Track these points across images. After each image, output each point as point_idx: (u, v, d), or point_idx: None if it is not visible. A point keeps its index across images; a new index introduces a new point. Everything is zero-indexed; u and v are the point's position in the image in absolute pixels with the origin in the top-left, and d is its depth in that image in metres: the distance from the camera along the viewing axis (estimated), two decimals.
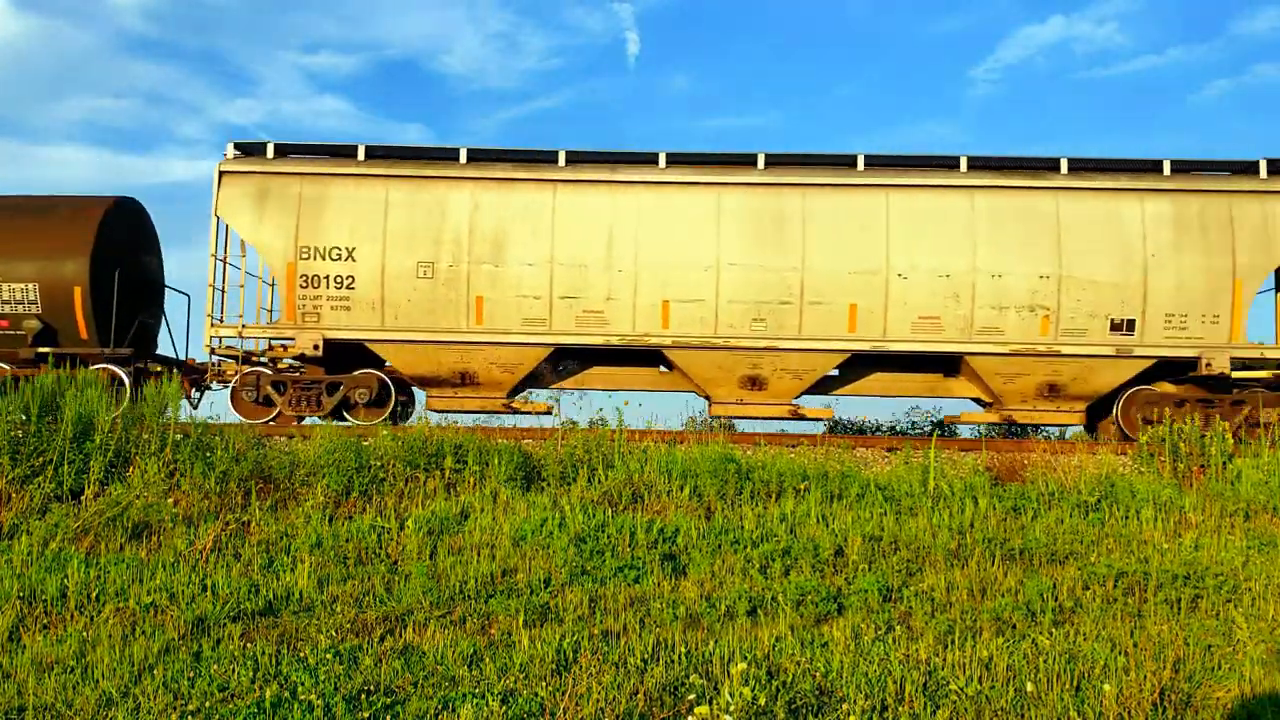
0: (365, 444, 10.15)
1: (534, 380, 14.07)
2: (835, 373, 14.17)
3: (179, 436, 9.84)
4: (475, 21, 54.76)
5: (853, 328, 13.34)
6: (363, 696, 5.21)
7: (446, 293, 13.32)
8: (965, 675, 5.54)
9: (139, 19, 51.21)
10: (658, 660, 5.77)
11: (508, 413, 13.84)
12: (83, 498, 9.06)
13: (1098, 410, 14.25)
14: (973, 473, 10.55)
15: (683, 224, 13.43)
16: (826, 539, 8.39)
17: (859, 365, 14.13)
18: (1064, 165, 13.60)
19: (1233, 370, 13.48)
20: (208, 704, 5.15)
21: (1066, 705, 5.18)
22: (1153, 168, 13.65)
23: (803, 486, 9.72)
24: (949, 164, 13.73)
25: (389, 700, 5.16)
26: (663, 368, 14.16)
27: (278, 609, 6.88)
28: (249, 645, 6.03)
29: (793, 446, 11.82)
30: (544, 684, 5.38)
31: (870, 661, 5.76)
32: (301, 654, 5.87)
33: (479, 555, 8.05)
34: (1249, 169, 13.74)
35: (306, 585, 7.27)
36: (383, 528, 8.60)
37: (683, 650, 5.87)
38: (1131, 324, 13.23)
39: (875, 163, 13.77)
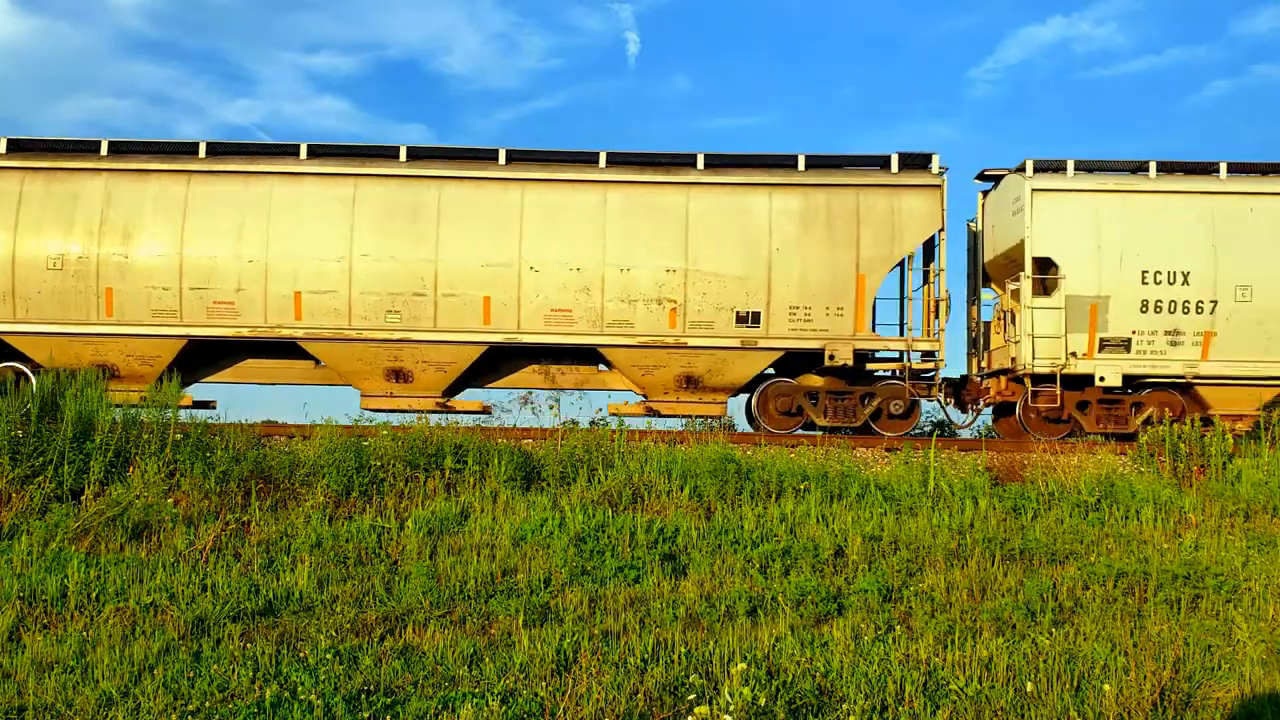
0: (365, 444, 10.14)
1: (183, 373, 13.88)
2: (504, 368, 14.24)
3: (179, 436, 9.83)
4: (475, 22, 54.79)
5: (487, 320, 13.40)
6: (363, 696, 5.21)
7: (76, 284, 13.29)
8: (965, 675, 5.54)
9: (139, 19, 51.22)
10: (658, 660, 5.77)
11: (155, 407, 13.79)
12: (83, 498, 9.06)
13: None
14: (973, 473, 10.55)
15: (316, 215, 13.43)
16: (826, 539, 8.39)
17: (517, 357, 14.15)
18: (700, 161, 13.71)
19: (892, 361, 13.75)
20: (208, 704, 5.15)
21: (1066, 705, 5.18)
22: (788, 163, 13.75)
23: (803, 486, 9.72)
24: (589, 159, 13.84)
25: (389, 700, 5.16)
26: (320, 361, 14.06)
27: (278, 609, 6.88)
28: (249, 645, 6.03)
29: (793, 447, 11.82)
30: (544, 684, 5.38)
31: (870, 661, 5.76)
32: (301, 654, 5.87)
33: (479, 555, 8.05)
34: (881, 163, 13.84)
35: (306, 585, 7.27)
36: (383, 528, 8.60)
37: (683, 650, 5.87)
38: (757, 316, 13.32)
39: (517, 157, 13.87)
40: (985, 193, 14.94)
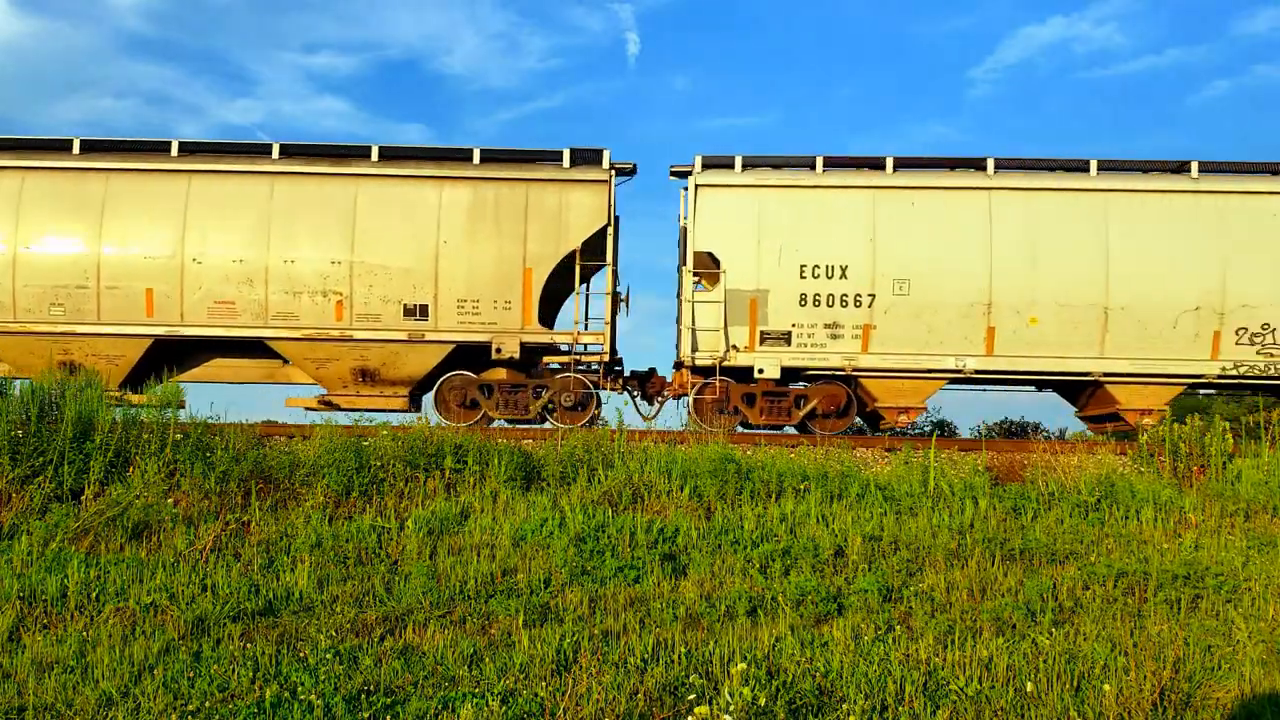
0: (365, 444, 10.15)
1: None
2: (189, 361, 14.23)
3: (179, 436, 9.83)
4: (475, 22, 54.85)
5: (150, 313, 13.47)
6: (363, 696, 5.21)
7: None
8: (965, 675, 5.54)
9: (139, 19, 51.27)
10: (658, 660, 5.77)
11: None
12: (83, 498, 9.05)
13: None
14: (973, 473, 10.55)
15: None
16: (826, 539, 8.39)
17: (199, 351, 14.15)
18: (374, 153, 13.72)
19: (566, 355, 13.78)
20: (208, 704, 5.15)
21: (1066, 705, 5.18)
22: (463, 156, 13.76)
23: (803, 486, 9.72)
24: (261, 151, 13.86)
25: (389, 700, 5.16)
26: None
27: (278, 609, 6.88)
28: (249, 645, 6.03)
29: (793, 447, 11.83)
30: (544, 684, 5.38)
31: (870, 661, 5.75)
32: (301, 654, 5.87)
33: (479, 555, 8.05)
34: (554, 158, 13.84)
35: (306, 585, 7.27)
36: (383, 528, 8.60)
37: (683, 650, 5.87)
38: (425, 309, 13.39)
39: (189, 149, 13.87)
40: (686, 189, 14.90)
